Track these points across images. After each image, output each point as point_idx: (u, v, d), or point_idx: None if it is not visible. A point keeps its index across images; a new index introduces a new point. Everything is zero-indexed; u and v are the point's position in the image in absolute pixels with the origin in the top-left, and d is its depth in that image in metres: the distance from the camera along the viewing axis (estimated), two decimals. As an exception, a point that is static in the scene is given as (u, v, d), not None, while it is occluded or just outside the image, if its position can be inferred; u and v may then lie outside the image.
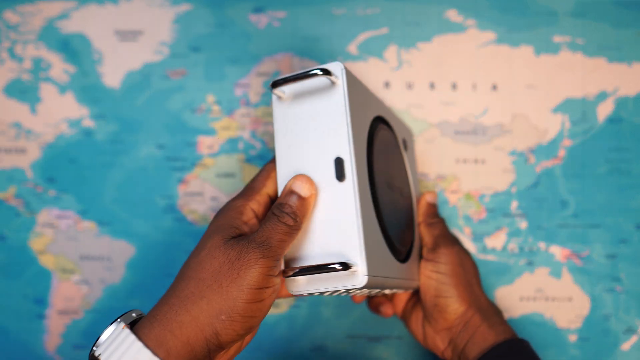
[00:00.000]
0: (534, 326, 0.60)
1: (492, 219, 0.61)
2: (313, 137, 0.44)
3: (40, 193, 0.62)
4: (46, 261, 0.62)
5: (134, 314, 0.40)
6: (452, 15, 0.62)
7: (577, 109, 0.61)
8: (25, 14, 0.62)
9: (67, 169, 0.62)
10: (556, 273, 0.60)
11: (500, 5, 0.62)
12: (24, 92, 0.62)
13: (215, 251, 0.40)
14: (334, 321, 0.61)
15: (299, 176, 0.43)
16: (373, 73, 0.62)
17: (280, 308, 0.61)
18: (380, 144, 0.48)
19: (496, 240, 0.61)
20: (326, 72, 0.42)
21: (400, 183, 0.53)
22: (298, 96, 0.44)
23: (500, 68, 0.62)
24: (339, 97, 0.43)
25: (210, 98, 0.62)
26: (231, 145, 0.62)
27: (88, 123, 0.62)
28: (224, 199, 0.61)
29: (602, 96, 0.61)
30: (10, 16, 0.63)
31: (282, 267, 0.43)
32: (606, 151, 0.61)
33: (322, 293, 0.42)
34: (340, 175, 0.42)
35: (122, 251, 0.61)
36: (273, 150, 0.60)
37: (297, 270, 0.41)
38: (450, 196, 0.61)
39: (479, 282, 0.54)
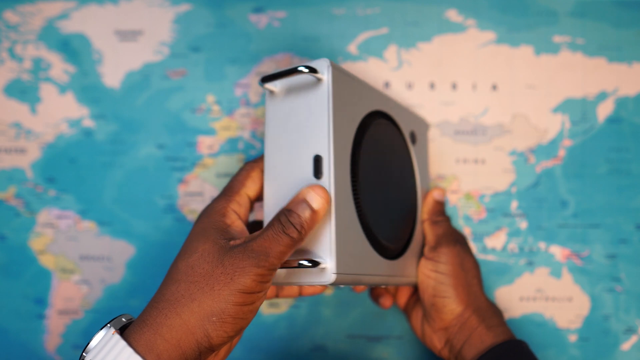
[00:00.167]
0: (534, 326, 0.60)
1: (492, 219, 0.61)
2: (296, 133, 0.44)
3: (40, 193, 0.62)
4: (46, 261, 0.62)
5: (124, 319, 0.40)
6: (452, 15, 0.62)
7: (577, 109, 0.61)
8: (25, 14, 0.62)
9: (67, 169, 0.62)
10: (556, 273, 0.60)
11: (500, 5, 0.62)
12: (24, 92, 0.62)
13: (209, 256, 0.40)
14: (334, 321, 0.61)
15: (315, 186, 0.41)
16: (373, 73, 0.62)
17: (280, 308, 0.61)
18: (374, 139, 0.48)
19: (496, 240, 0.61)
20: (312, 70, 0.42)
21: (400, 178, 0.52)
22: (288, 92, 0.45)
23: (500, 68, 0.62)
24: (323, 95, 0.43)
25: (210, 98, 0.62)
26: (231, 145, 0.62)
27: (88, 123, 0.62)
28: (224, 199, 0.61)
29: (602, 96, 0.61)
30: (10, 16, 0.63)
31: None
32: (606, 151, 0.61)
33: (299, 284, 0.44)
34: (317, 173, 0.43)
35: (122, 251, 0.61)
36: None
37: None
38: (450, 196, 0.61)
39: (479, 283, 0.54)
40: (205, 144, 0.62)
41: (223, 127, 0.62)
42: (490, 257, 0.61)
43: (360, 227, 0.45)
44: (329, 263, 0.42)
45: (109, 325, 0.39)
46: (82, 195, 0.62)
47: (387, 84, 0.62)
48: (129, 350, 0.37)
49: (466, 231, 0.61)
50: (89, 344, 0.39)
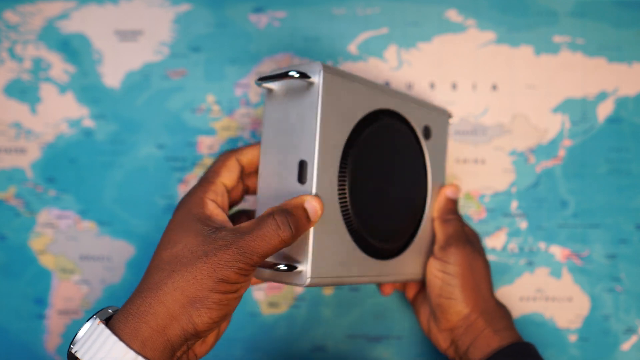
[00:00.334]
0: (534, 326, 0.60)
1: (492, 219, 0.61)
2: (287, 135, 0.45)
3: (40, 193, 0.62)
4: (46, 261, 0.62)
5: (110, 310, 0.41)
6: (452, 15, 0.62)
7: (577, 109, 0.61)
8: (25, 14, 0.62)
9: (67, 169, 0.62)
10: (556, 273, 0.60)
11: (500, 5, 0.62)
12: (24, 92, 0.62)
13: (193, 246, 0.41)
14: (334, 321, 0.61)
15: (317, 198, 0.43)
16: (373, 73, 0.62)
17: (280, 308, 0.61)
18: (374, 139, 0.48)
19: (496, 240, 0.61)
20: (302, 75, 0.43)
21: (404, 177, 0.52)
22: (286, 91, 0.45)
23: (500, 68, 0.62)
24: (313, 99, 0.43)
25: (210, 98, 0.62)
26: (231, 145, 0.62)
27: (88, 123, 0.62)
28: (224, 199, 0.61)
29: (602, 96, 0.61)
30: (10, 16, 0.63)
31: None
32: (606, 151, 0.61)
33: (278, 282, 0.45)
34: (301, 178, 0.43)
35: (122, 251, 0.61)
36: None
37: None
38: (450, 196, 0.61)
39: (489, 285, 0.53)
40: (205, 144, 0.62)
41: (223, 127, 0.62)
42: (491, 257, 0.61)
43: (346, 231, 0.46)
44: (304, 267, 0.43)
45: (94, 316, 0.39)
46: (82, 195, 0.62)
47: (387, 84, 0.62)
48: (114, 338, 0.38)
49: (466, 231, 0.61)
50: (75, 335, 0.39)
